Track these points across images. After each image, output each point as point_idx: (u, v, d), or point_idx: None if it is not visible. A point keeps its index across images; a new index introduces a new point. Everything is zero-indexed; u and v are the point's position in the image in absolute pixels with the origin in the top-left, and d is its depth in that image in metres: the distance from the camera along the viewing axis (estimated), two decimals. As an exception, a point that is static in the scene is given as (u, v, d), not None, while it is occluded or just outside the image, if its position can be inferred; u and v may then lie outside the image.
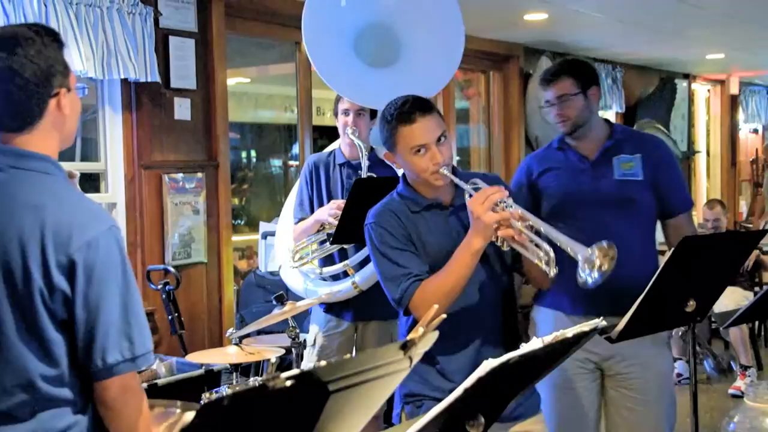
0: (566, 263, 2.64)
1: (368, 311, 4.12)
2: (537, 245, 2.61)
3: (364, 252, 4.04)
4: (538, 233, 2.63)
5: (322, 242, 4.14)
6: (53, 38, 2.17)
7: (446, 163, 2.79)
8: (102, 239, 2.04)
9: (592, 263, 2.54)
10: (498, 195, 2.64)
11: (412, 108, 2.80)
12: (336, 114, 4.23)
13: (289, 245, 4.30)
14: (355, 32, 4.17)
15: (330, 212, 4.03)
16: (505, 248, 2.70)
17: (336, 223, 3.95)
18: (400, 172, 4.37)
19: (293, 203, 4.39)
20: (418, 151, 2.77)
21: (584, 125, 3.56)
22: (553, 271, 2.58)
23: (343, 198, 4.12)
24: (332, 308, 4.14)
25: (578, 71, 3.59)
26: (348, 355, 1.65)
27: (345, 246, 4.13)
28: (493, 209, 2.63)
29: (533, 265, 2.71)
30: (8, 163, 2.11)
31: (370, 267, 4.18)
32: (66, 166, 2.30)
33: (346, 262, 4.14)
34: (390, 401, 2.93)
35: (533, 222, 2.62)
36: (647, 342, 3.29)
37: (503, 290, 2.92)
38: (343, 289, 4.10)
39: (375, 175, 4.08)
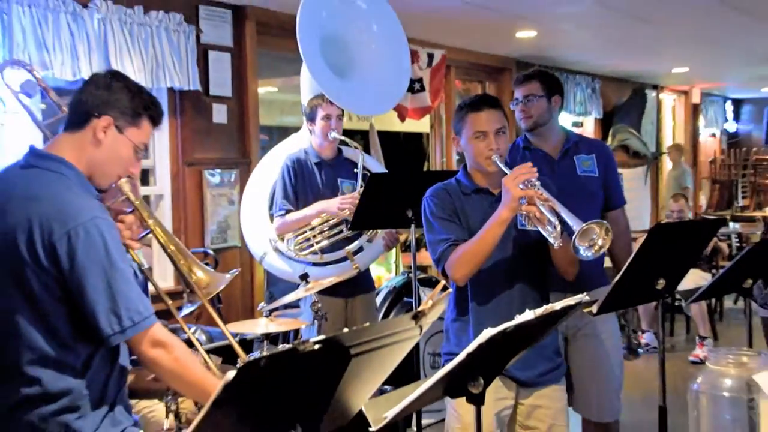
0: None
1: (355, 287, 4.25)
2: (551, 223, 2.61)
3: (358, 242, 4.25)
4: (555, 213, 2.62)
5: (323, 232, 4.19)
6: (142, 97, 2.26)
7: (500, 152, 2.83)
8: (81, 229, 2.05)
9: (592, 240, 2.57)
10: (528, 174, 2.67)
11: (482, 100, 2.90)
12: (312, 119, 4.23)
13: (270, 234, 4.30)
14: (319, 43, 4.20)
15: (340, 206, 4.08)
16: (530, 225, 2.72)
17: (344, 214, 4.06)
18: (380, 169, 4.47)
19: (257, 197, 4.41)
20: (479, 136, 2.82)
21: (544, 125, 3.62)
22: (558, 243, 2.59)
23: (321, 192, 4.20)
24: (325, 289, 4.12)
25: (546, 78, 3.66)
26: (367, 324, 1.65)
27: (344, 237, 4.20)
28: (522, 187, 2.64)
29: (556, 255, 2.77)
30: (31, 162, 2.20)
31: (368, 252, 4.33)
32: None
33: (347, 248, 4.19)
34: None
35: (552, 203, 2.62)
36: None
37: (535, 272, 2.91)
38: (347, 271, 4.18)
39: (367, 173, 4.23)
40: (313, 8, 4.14)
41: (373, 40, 4.45)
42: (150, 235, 2.51)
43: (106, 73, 2.30)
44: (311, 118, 4.24)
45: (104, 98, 2.21)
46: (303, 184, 4.22)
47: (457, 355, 2.79)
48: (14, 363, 2.10)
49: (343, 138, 4.22)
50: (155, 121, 2.30)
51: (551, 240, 2.60)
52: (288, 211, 4.18)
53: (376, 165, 4.57)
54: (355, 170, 4.27)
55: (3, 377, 2.12)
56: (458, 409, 2.84)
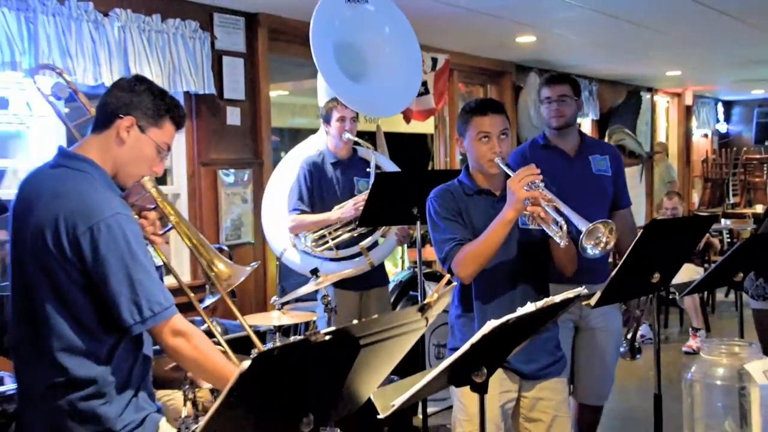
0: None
1: (369, 281, 4.29)
2: (556, 223, 2.59)
3: (372, 238, 4.26)
4: (559, 212, 2.61)
5: (337, 229, 4.23)
6: (164, 99, 2.28)
7: (502, 155, 2.81)
8: (104, 224, 2.07)
9: (598, 239, 2.56)
10: (533, 176, 2.64)
11: (487, 104, 2.88)
12: (327, 120, 4.26)
13: (283, 233, 4.35)
14: (333, 50, 4.22)
15: (355, 207, 4.13)
16: (534, 225, 2.71)
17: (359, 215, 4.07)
18: (392, 168, 4.48)
19: (276, 197, 4.44)
20: (483, 138, 2.80)
21: (570, 125, 3.69)
22: (564, 242, 2.58)
23: (339, 191, 4.24)
24: (341, 282, 4.14)
25: (574, 83, 3.76)
26: (375, 316, 1.64)
27: (358, 234, 4.22)
28: (526, 188, 2.63)
29: (561, 255, 2.77)
30: (59, 162, 2.23)
31: (381, 247, 4.33)
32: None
33: (361, 244, 4.22)
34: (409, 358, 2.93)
35: (557, 203, 2.61)
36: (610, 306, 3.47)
37: (538, 271, 2.91)
38: (361, 265, 4.20)
39: (384, 169, 4.31)
40: (326, 17, 4.16)
41: (385, 45, 4.45)
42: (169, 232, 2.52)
43: (131, 78, 2.32)
44: (327, 120, 4.28)
45: (128, 100, 2.22)
46: (319, 186, 4.26)
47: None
48: (47, 350, 2.12)
49: (356, 139, 4.24)
50: (177, 123, 2.31)
51: (557, 239, 2.59)
52: (302, 212, 4.20)
53: (389, 164, 4.57)
54: (368, 169, 4.28)
55: (38, 364, 2.15)
56: (464, 400, 2.83)
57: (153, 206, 2.42)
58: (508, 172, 2.75)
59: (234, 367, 2.17)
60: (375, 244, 4.32)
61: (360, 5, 4.32)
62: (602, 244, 2.56)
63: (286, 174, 4.45)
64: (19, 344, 2.22)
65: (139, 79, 2.31)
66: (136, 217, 2.32)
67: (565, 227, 2.57)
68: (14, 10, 3.89)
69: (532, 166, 2.70)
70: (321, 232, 4.23)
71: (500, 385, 2.80)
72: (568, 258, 2.80)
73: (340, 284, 4.15)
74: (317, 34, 4.04)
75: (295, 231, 4.28)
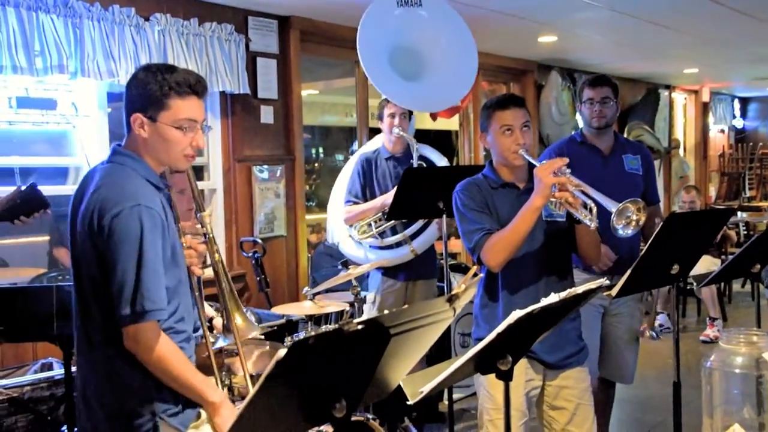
0: None
1: (417, 272, 4.19)
2: (585, 206, 2.56)
3: (416, 226, 4.22)
4: (587, 196, 2.58)
5: (382, 218, 4.23)
6: (162, 79, 2.13)
7: (526, 146, 2.79)
8: (123, 214, 2.03)
9: (628, 218, 2.53)
10: (559, 163, 2.61)
11: (508, 99, 2.85)
12: (380, 118, 4.28)
13: (342, 224, 4.38)
14: (388, 52, 4.20)
15: None
16: (561, 211, 2.68)
17: None
18: (442, 162, 4.43)
19: (341, 192, 4.45)
20: (506, 131, 2.78)
21: (610, 126, 3.75)
22: (594, 225, 2.55)
23: (392, 185, 4.20)
24: (388, 271, 4.20)
25: (615, 85, 3.78)
26: (405, 306, 1.64)
27: (400, 222, 4.21)
28: (553, 175, 2.60)
29: (585, 244, 2.76)
30: (110, 158, 2.21)
31: (423, 236, 4.25)
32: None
33: (404, 233, 4.21)
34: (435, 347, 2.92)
35: (584, 188, 2.58)
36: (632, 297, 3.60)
37: (561, 261, 2.89)
38: (404, 254, 4.19)
39: (423, 164, 4.21)
40: (377, 21, 4.13)
41: (441, 44, 4.40)
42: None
43: (132, 75, 2.21)
44: (380, 117, 4.30)
45: (131, 98, 2.17)
46: (371, 180, 4.28)
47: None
48: (94, 342, 2.15)
49: (405, 134, 4.22)
50: (186, 93, 2.15)
51: (587, 222, 2.55)
52: (355, 203, 4.22)
53: (435, 154, 4.51)
54: (411, 161, 4.25)
55: (89, 353, 2.17)
56: (491, 390, 2.81)
57: (204, 240, 2.40)
58: (533, 162, 2.73)
59: (197, 378, 2.13)
60: (418, 233, 4.31)
61: (412, 8, 4.30)
62: (633, 223, 2.53)
63: (349, 171, 4.49)
64: (76, 334, 2.23)
65: (137, 72, 2.18)
66: (187, 245, 2.31)
67: (594, 209, 2.53)
68: (62, 17, 3.94)
69: (558, 158, 2.68)
70: (368, 220, 4.25)
71: (525, 373, 2.78)
72: (593, 246, 2.79)
73: (389, 272, 4.18)
74: (365, 40, 4.03)
75: (349, 222, 4.31)
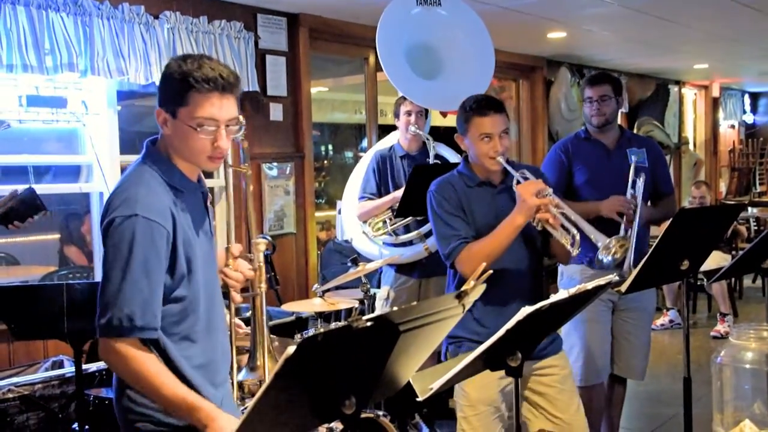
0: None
1: (431, 269, 4.17)
2: (566, 229, 2.60)
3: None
4: (568, 219, 2.62)
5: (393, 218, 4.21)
6: (187, 72, 1.97)
7: (503, 153, 2.79)
8: (118, 221, 1.93)
9: (609, 250, 2.62)
10: (541, 186, 2.64)
11: (487, 104, 2.82)
12: (397, 115, 4.27)
13: (355, 220, 4.35)
14: (406, 50, 4.20)
15: None
16: (539, 228, 2.67)
17: None
18: (454, 159, 4.42)
19: (355, 188, 4.43)
20: (485, 138, 2.77)
21: (611, 123, 3.75)
22: (575, 251, 2.60)
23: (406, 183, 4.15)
24: (402, 268, 4.19)
25: (615, 81, 3.79)
26: (414, 302, 1.64)
27: (415, 220, 4.18)
28: (536, 196, 2.61)
29: (559, 247, 2.74)
30: (142, 156, 2.10)
31: None
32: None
33: (419, 230, 4.17)
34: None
35: (566, 210, 2.61)
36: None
37: (534, 263, 2.89)
38: (417, 251, 4.16)
39: (439, 162, 4.21)
40: (396, 20, 4.14)
41: (458, 38, 4.40)
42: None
43: (166, 64, 2.08)
44: (396, 115, 4.29)
45: (159, 90, 2.06)
46: (386, 177, 4.26)
47: (460, 338, 2.82)
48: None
49: (420, 132, 4.20)
50: (204, 89, 1.97)
51: (568, 247, 2.60)
52: (369, 200, 4.22)
53: (450, 153, 4.48)
54: (427, 159, 4.24)
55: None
56: (464, 386, 2.83)
57: (254, 268, 2.32)
58: (510, 169, 2.76)
59: (176, 392, 1.93)
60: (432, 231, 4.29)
61: (431, 7, 4.30)
62: (616, 256, 2.63)
63: (363, 168, 4.47)
64: None
65: (169, 62, 2.05)
66: (235, 268, 2.23)
67: (578, 236, 2.58)
68: (72, 15, 3.95)
69: (539, 179, 2.72)
70: (382, 217, 4.23)
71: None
72: (565, 252, 2.76)
73: (402, 270, 4.18)
74: (385, 38, 4.03)
75: (363, 218, 4.28)
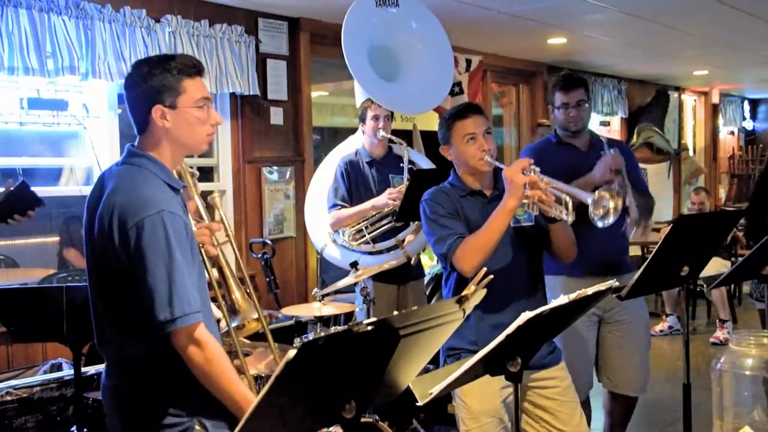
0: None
1: (407, 274, 4.22)
2: (558, 201, 2.56)
3: (409, 230, 4.19)
4: (558, 190, 2.57)
5: (374, 223, 4.19)
6: (167, 66, 2.10)
7: (491, 152, 2.77)
8: (148, 221, 1.99)
9: (600, 203, 2.53)
10: (525, 162, 2.60)
11: (466, 108, 2.85)
12: (362, 120, 4.24)
13: (326, 228, 4.32)
14: (367, 51, 4.22)
15: (389, 197, 4.08)
16: (535, 212, 2.64)
17: (395, 204, 4.04)
18: (424, 163, 4.44)
19: (318, 195, 4.41)
20: (470, 139, 2.76)
21: (585, 127, 3.63)
22: (571, 219, 2.53)
23: (375, 189, 4.19)
24: (378, 276, 4.11)
25: (585, 82, 3.65)
26: (415, 307, 1.64)
27: (391, 227, 4.18)
28: (522, 173, 2.58)
29: (560, 241, 2.72)
30: (125, 159, 2.16)
31: (416, 240, 4.24)
32: (187, 161, 2.35)
33: (398, 237, 4.18)
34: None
35: (554, 182, 2.58)
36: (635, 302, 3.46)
37: (532, 266, 2.86)
38: (397, 258, 4.15)
39: (413, 167, 4.25)
40: (358, 22, 4.15)
41: (417, 43, 4.43)
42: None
43: (131, 72, 2.16)
44: (362, 119, 4.26)
45: (141, 94, 2.11)
46: (356, 183, 4.23)
47: (459, 349, 2.79)
48: (111, 343, 2.14)
49: (390, 136, 4.22)
50: (193, 73, 2.14)
51: (564, 217, 2.54)
52: (341, 207, 4.19)
53: (424, 160, 4.54)
54: (401, 164, 4.26)
55: (106, 343, 2.16)
56: (465, 398, 2.78)
57: (218, 220, 2.41)
58: (500, 166, 2.73)
59: (242, 389, 2.04)
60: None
61: (389, 9, 4.31)
62: (612, 211, 2.53)
63: (327, 173, 4.44)
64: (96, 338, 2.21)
65: (136, 67, 2.15)
66: (197, 223, 2.29)
67: (570, 203, 2.52)
68: (73, 18, 3.96)
69: (522, 158, 2.67)
70: (358, 226, 4.21)
71: (500, 380, 2.74)
72: (570, 244, 2.76)
73: (379, 277, 4.14)
74: (349, 39, 4.05)
75: (336, 227, 4.25)
